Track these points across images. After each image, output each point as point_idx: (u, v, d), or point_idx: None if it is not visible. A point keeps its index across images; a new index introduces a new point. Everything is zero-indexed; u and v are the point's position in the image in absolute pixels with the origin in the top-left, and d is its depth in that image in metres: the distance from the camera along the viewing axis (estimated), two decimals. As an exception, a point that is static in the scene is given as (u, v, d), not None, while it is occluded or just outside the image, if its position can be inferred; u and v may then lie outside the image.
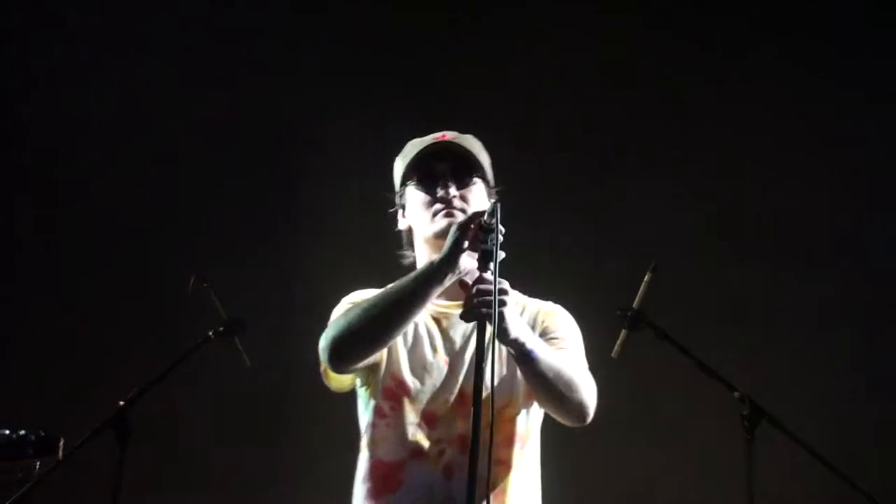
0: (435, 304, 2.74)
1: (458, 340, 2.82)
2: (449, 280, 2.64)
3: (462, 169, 2.84)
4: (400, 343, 2.81)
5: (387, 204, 3.05)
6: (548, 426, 2.95)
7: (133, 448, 3.62)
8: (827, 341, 5.10)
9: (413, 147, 2.89)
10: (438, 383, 2.76)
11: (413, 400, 2.78)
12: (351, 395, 2.99)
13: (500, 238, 2.58)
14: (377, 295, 2.70)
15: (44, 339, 5.23)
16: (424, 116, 5.23)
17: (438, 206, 2.81)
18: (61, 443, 3.34)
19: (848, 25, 5.32)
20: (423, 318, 2.83)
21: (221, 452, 5.08)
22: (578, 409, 2.72)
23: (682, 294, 5.06)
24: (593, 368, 2.87)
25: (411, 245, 2.96)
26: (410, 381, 2.79)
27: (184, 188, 5.38)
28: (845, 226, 5.19)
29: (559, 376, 2.67)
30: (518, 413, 2.79)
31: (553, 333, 2.83)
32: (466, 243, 2.61)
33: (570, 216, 5.27)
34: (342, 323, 2.69)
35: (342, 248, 5.16)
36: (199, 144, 5.44)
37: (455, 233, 2.63)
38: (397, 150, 5.20)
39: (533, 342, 2.65)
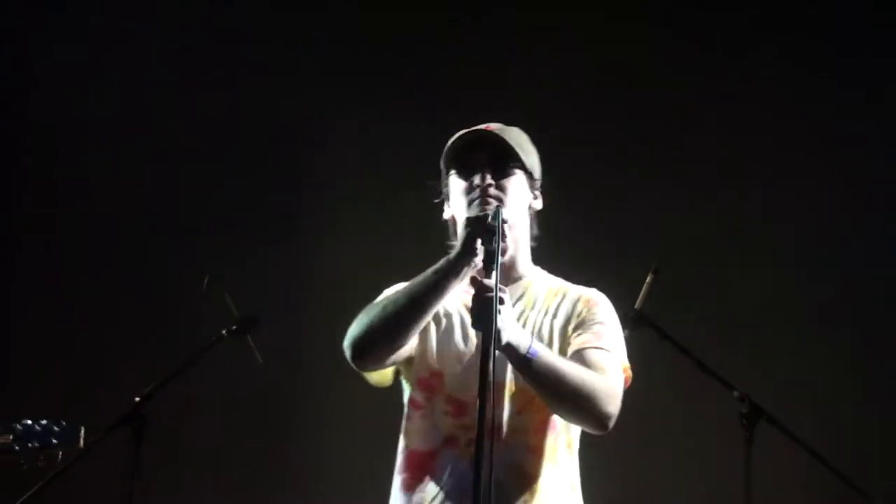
0: (467, 292, 2.71)
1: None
2: (466, 273, 2.65)
3: (501, 159, 2.83)
4: (433, 333, 2.83)
5: (418, 198, 3.06)
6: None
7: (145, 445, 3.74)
8: (826, 341, 5.11)
9: (459, 135, 2.88)
10: (469, 372, 2.73)
11: (444, 389, 2.79)
12: (361, 394, 3.00)
13: (503, 244, 2.61)
14: (397, 292, 2.73)
15: (44, 339, 5.27)
16: (424, 116, 5.28)
17: (475, 194, 2.80)
18: (82, 432, 3.40)
19: (848, 25, 5.32)
20: (455, 307, 2.84)
21: (232, 450, 5.13)
22: (591, 416, 2.69)
23: (683, 294, 5.05)
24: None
25: (456, 234, 2.94)
26: (442, 370, 2.80)
27: (186, 188, 5.40)
28: (845, 226, 5.20)
29: (564, 382, 2.64)
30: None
31: (589, 325, 2.81)
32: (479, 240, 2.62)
33: (570, 216, 5.18)
34: (363, 322, 2.71)
35: (349, 247, 5.20)
36: (200, 144, 5.46)
37: (468, 227, 2.65)
38: (400, 149, 5.16)
39: (534, 348, 2.63)
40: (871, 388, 5.05)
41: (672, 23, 5.43)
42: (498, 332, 2.52)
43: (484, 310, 2.50)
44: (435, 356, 2.82)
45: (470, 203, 2.80)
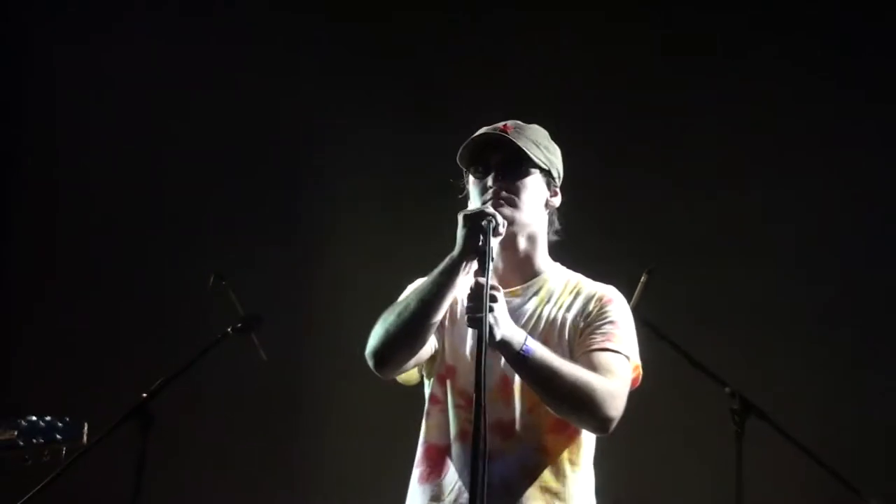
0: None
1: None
2: (470, 269, 2.68)
3: (514, 160, 2.85)
4: (448, 330, 2.87)
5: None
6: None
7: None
8: (826, 341, 5.11)
9: (474, 136, 2.91)
10: (476, 364, 2.69)
11: (457, 384, 2.83)
12: (363, 392, 3.01)
13: (494, 247, 2.66)
14: (407, 296, 2.78)
15: (50, 338, 5.30)
16: (425, 116, 5.29)
17: (487, 195, 2.83)
18: (86, 428, 3.44)
19: (848, 25, 5.33)
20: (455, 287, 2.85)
21: (236, 446, 5.16)
22: (589, 417, 2.70)
23: (683, 294, 5.08)
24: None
25: None
26: (455, 365, 2.84)
27: (188, 188, 5.43)
28: (845, 226, 5.21)
29: (560, 381, 2.65)
30: None
31: (600, 324, 2.81)
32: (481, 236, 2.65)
33: (570, 216, 5.23)
34: (380, 331, 2.76)
35: (351, 247, 5.22)
36: (202, 144, 5.48)
37: (465, 226, 2.67)
38: (401, 149, 5.14)
39: (529, 345, 2.64)
40: (870, 388, 5.04)
41: (672, 23, 5.42)
42: (492, 328, 2.55)
43: (476, 308, 2.53)
44: (449, 352, 2.86)
45: (486, 201, 2.82)
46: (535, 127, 2.96)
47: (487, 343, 2.54)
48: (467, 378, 2.78)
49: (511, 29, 5.49)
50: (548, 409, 2.73)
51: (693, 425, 4.86)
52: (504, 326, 2.62)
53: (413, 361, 2.82)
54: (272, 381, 5.02)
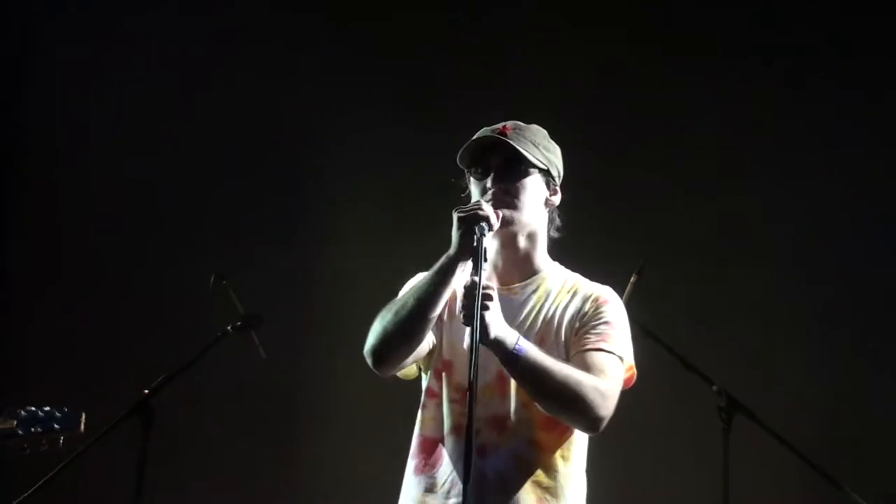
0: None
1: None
2: (465, 268, 2.74)
3: (513, 161, 2.89)
4: (445, 325, 2.91)
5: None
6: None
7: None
8: (825, 341, 5.15)
9: (473, 138, 2.95)
10: (470, 361, 2.74)
11: (453, 378, 2.88)
12: (361, 388, 3.03)
13: (492, 245, 2.74)
14: (404, 294, 2.83)
15: (55, 337, 5.33)
16: (425, 116, 5.30)
17: (487, 196, 2.88)
18: (83, 417, 3.53)
19: (848, 25, 5.34)
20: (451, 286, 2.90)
21: (235, 441, 5.19)
22: (579, 417, 2.75)
23: (684, 294, 5.15)
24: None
25: None
26: (451, 360, 2.90)
27: (189, 188, 5.45)
28: (845, 226, 5.23)
29: (551, 381, 2.70)
30: None
31: (595, 325, 2.85)
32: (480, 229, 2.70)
33: (571, 216, 5.25)
34: (378, 329, 2.82)
35: (350, 246, 5.25)
36: (202, 144, 5.50)
37: (460, 226, 2.72)
38: (401, 149, 5.12)
39: (521, 345, 2.69)
40: (870, 388, 5.09)
41: (672, 23, 5.44)
42: (486, 327, 2.61)
43: (469, 307, 2.59)
44: (446, 347, 2.91)
45: (486, 201, 2.85)
46: (535, 127, 2.99)
47: (480, 341, 2.60)
48: (463, 373, 2.80)
49: (511, 29, 5.50)
50: (534, 421, 2.78)
51: (682, 422, 4.92)
52: (496, 326, 2.66)
53: (411, 358, 2.87)
54: (271, 379, 5.05)
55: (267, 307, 4.40)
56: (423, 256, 2.95)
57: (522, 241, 2.92)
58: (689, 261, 5.21)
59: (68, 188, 5.51)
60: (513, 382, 2.80)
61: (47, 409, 3.55)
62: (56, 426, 3.51)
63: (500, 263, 2.93)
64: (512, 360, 2.70)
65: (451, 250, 2.75)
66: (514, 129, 2.93)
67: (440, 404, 2.89)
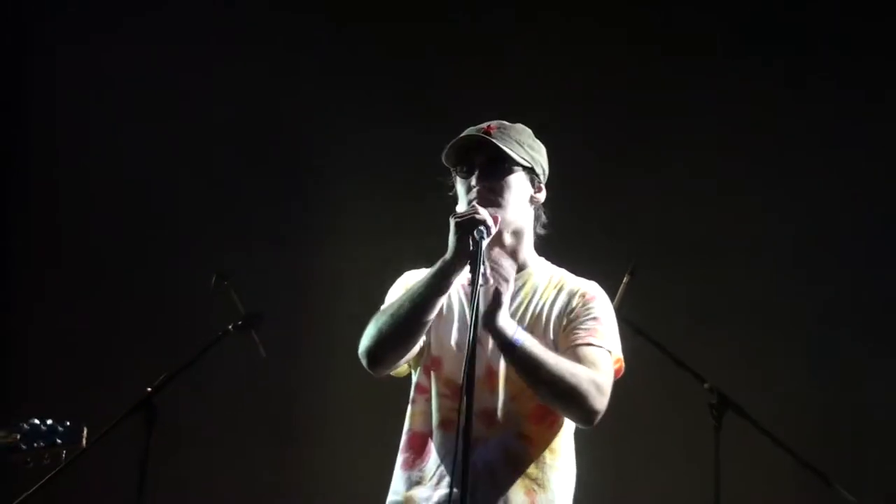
0: (465, 283, 2.89)
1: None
2: (461, 270, 2.79)
3: (497, 160, 2.94)
4: (434, 323, 2.94)
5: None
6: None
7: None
8: (825, 341, 5.17)
9: (458, 138, 3.00)
10: (464, 358, 2.81)
11: (442, 374, 2.95)
12: (359, 386, 3.06)
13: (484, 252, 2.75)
14: (400, 297, 2.91)
15: (45, 339, 5.35)
16: (425, 116, 5.31)
17: (472, 195, 2.93)
18: (85, 432, 3.61)
19: (848, 25, 5.36)
20: (456, 297, 2.98)
21: (235, 445, 5.23)
22: (576, 408, 2.82)
23: (684, 294, 5.18)
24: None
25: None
26: (441, 356, 2.97)
27: (188, 188, 5.48)
28: (845, 226, 5.24)
29: (547, 372, 2.77)
30: None
31: (583, 320, 2.92)
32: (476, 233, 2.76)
33: (566, 216, 5.27)
34: (373, 331, 2.89)
35: (350, 247, 5.26)
36: (203, 144, 5.52)
37: (457, 231, 2.77)
38: (401, 149, 5.12)
39: (519, 336, 2.77)
40: (869, 389, 5.10)
41: (672, 23, 5.46)
42: (494, 311, 2.73)
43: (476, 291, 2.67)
44: (435, 344, 2.96)
45: (471, 201, 2.92)
46: (520, 126, 3.05)
47: (484, 326, 2.72)
48: (452, 369, 2.93)
49: (511, 29, 5.53)
50: (530, 398, 2.85)
51: (674, 420, 4.97)
52: (502, 314, 2.75)
53: (404, 359, 2.94)
54: (271, 378, 5.09)
55: (267, 307, 4.44)
56: (422, 256, 2.99)
57: (508, 238, 2.96)
58: (689, 261, 5.24)
59: (68, 188, 5.54)
60: (501, 377, 2.88)
61: (50, 422, 3.63)
62: (58, 440, 3.59)
63: (496, 245, 2.95)
64: (510, 348, 2.78)
65: (448, 255, 2.80)
66: (499, 128, 2.98)
67: (429, 399, 2.95)
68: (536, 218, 3.03)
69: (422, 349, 2.97)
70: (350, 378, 3.98)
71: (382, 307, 2.95)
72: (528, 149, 2.98)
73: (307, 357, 5.31)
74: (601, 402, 2.83)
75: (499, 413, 2.88)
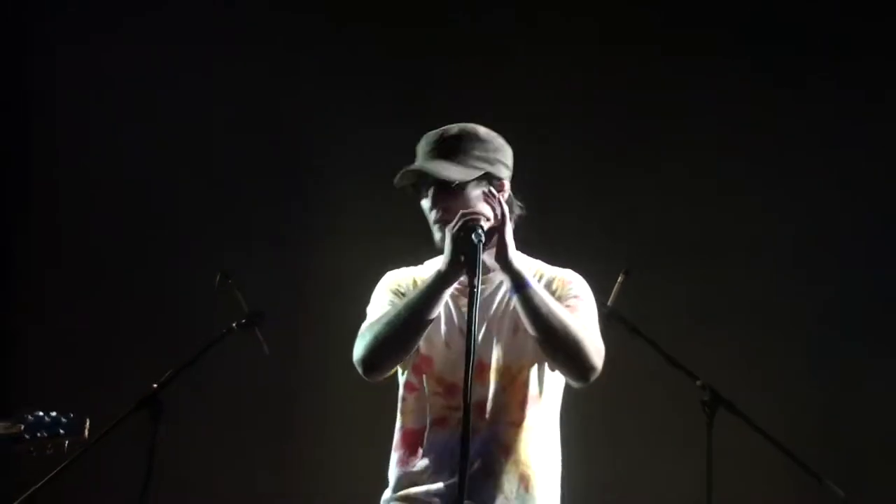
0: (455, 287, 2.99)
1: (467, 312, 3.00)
2: (459, 277, 2.89)
3: (445, 183, 2.97)
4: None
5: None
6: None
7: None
8: (825, 341, 5.23)
9: (405, 170, 3.02)
10: (458, 356, 2.92)
11: (435, 372, 3.02)
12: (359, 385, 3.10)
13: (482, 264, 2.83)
14: (397, 307, 2.97)
15: (49, 338, 5.41)
16: (426, 116, 5.30)
17: (433, 217, 3.01)
18: (87, 423, 3.72)
19: (847, 25, 5.38)
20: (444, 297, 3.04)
21: (235, 443, 5.27)
22: (577, 362, 2.93)
23: (684, 294, 5.23)
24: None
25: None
26: (432, 355, 3.03)
27: (189, 188, 5.52)
28: (845, 226, 5.27)
29: (555, 318, 2.87)
30: (528, 377, 3.01)
31: (565, 299, 3.01)
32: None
33: (564, 215, 5.35)
34: (370, 339, 2.96)
35: (350, 246, 5.28)
36: (205, 144, 5.56)
37: (451, 245, 2.86)
38: (402, 149, 5.17)
39: (530, 277, 2.91)
40: (869, 389, 5.15)
41: (672, 23, 5.48)
42: (505, 250, 2.86)
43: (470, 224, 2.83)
44: (424, 343, 3.03)
45: (434, 223, 2.99)
46: (471, 133, 3.04)
47: (502, 267, 2.86)
48: (443, 367, 3.03)
49: (511, 29, 5.56)
50: (518, 388, 2.99)
51: (669, 416, 5.01)
52: (516, 256, 2.89)
53: (399, 365, 3.04)
54: (272, 376, 5.15)
55: (266, 306, 4.46)
56: (422, 256, 3.09)
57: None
58: (689, 260, 5.28)
59: (68, 187, 5.58)
60: (492, 370, 2.99)
61: (53, 414, 3.75)
62: (61, 431, 3.71)
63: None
64: (523, 286, 2.87)
65: (442, 268, 2.88)
66: (451, 139, 3.01)
67: (420, 398, 3.04)
68: (511, 212, 3.04)
69: None
70: (349, 377, 4.00)
71: (373, 312, 3.06)
72: (476, 159, 3.00)
73: (306, 356, 5.36)
74: (599, 362, 2.94)
75: (489, 404, 2.97)
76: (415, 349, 3.01)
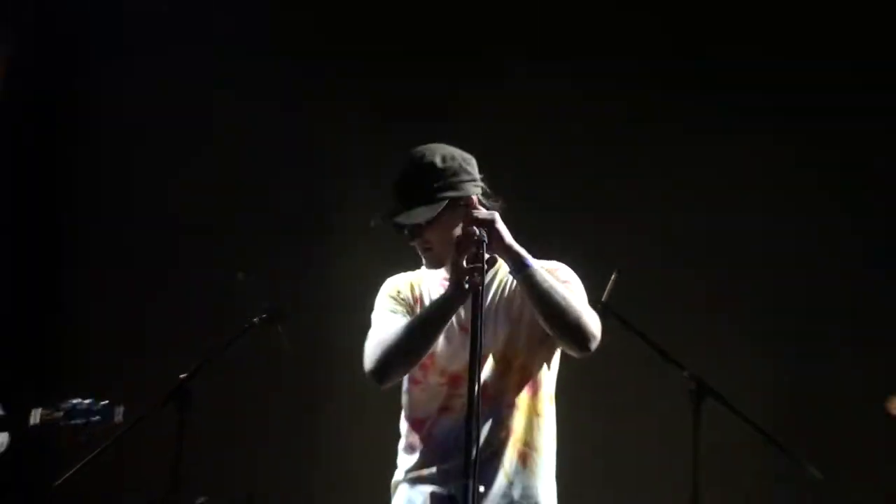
0: (442, 285, 3.17)
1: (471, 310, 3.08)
2: (465, 300, 3.03)
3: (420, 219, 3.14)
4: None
5: None
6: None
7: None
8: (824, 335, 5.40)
9: (378, 218, 3.18)
10: (458, 348, 3.15)
11: (438, 365, 3.18)
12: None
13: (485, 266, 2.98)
14: (408, 323, 3.14)
15: (85, 332, 5.65)
16: (440, 120, 5.44)
17: (418, 248, 3.22)
18: (121, 410, 3.87)
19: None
20: (440, 292, 3.20)
21: (262, 428, 5.48)
22: (577, 332, 3.06)
23: (678, 291, 5.40)
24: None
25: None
26: (434, 350, 3.17)
27: (222, 193, 5.75)
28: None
29: (556, 295, 3.03)
30: (524, 362, 3.18)
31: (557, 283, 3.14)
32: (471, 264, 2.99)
33: (561, 214, 5.57)
34: (381, 353, 3.11)
35: (371, 246, 5.26)
36: (234, 155, 5.78)
37: (455, 273, 3.01)
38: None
39: (529, 259, 3.04)
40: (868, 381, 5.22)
41: (673, 22, 5.65)
42: (502, 236, 3.02)
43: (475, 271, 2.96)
44: None
45: (421, 252, 3.21)
46: (428, 167, 3.15)
47: (501, 251, 3.02)
48: (445, 360, 3.18)
49: (513, 30, 5.75)
50: (515, 371, 3.17)
51: (658, 405, 5.14)
52: (508, 239, 3.03)
53: None
54: (294, 370, 5.17)
55: (290, 300, 4.59)
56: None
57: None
58: (685, 260, 5.45)
59: (110, 192, 5.83)
60: (490, 358, 3.14)
61: (88, 401, 3.90)
62: (95, 418, 3.87)
63: (446, 255, 3.14)
64: (525, 266, 3.04)
65: (449, 293, 3.04)
66: (410, 187, 3.14)
67: (425, 389, 3.21)
68: (492, 207, 3.18)
69: None
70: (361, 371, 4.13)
71: (377, 319, 3.21)
72: (439, 190, 3.13)
73: (324, 350, 5.47)
74: (597, 334, 3.07)
75: (489, 390, 3.11)
76: None
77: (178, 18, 5.81)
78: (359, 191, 5.42)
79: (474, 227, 3.00)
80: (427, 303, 3.24)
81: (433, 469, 3.16)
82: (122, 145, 5.82)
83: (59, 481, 4.02)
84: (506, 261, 3.08)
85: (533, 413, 3.20)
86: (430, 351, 3.17)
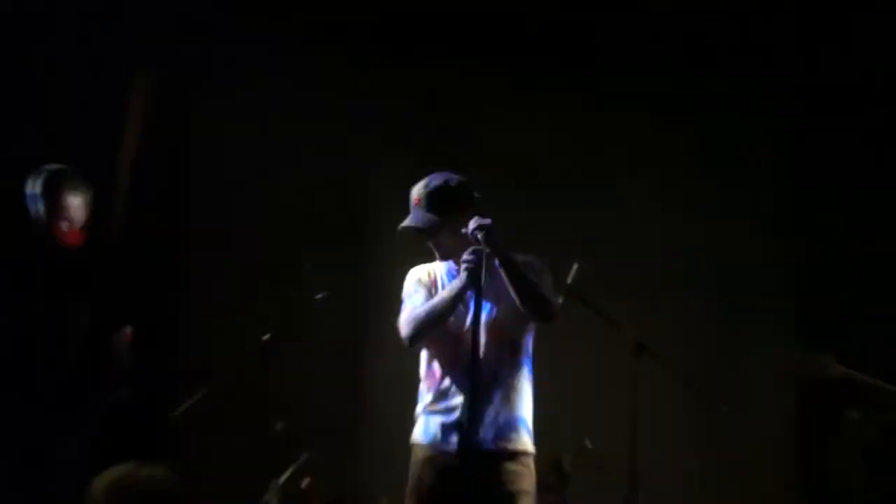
0: (455, 261, 3.92)
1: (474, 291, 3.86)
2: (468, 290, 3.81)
3: (425, 231, 3.95)
4: (435, 294, 4.00)
5: None
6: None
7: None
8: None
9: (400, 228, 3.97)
10: (461, 316, 3.90)
11: (447, 329, 3.91)
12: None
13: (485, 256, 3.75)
14: (433, 302, 3.89)
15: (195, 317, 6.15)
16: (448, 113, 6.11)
17: (431, 246, 4.03)
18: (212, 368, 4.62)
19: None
20: (445, 273, 4.04)
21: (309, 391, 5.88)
22: (543, 307, 3.82)
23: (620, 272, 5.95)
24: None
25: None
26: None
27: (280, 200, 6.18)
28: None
29: (527, 280, 3.79)
30: (508, 328, 3.93)
31: (529, 272, 3.89)
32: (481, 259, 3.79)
33: (557, 214, 6.12)
34: (414, 324, 3.87)
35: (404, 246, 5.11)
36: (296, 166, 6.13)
37: (467, 275, 3.80)
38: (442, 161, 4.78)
39: (512, 254, 3.78)
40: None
41: (673, 24, 6.07)
42: (497, 242, 3.75)
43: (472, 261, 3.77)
44: None
45: (434, 249, 4.03)
46: (434, 191, 3.92)
47: (495, 248, 3.71)
48: (457, 326, 3.91)
49: (514, 33, 6.08)
50: (498, 335, 3.91)
51: (600, 360, 5.69)
52: (500, 240, 3.74)
53: None
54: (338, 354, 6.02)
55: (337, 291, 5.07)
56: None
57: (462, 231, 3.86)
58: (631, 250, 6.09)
59: (203, 195, 6.24)
60: (482, 331, 3.83)
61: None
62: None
63: (457, 252, 3.92)
64: (508, 260, 3.76)
65: (462, 283, 3.78)
66: (426, 197, 3.92)
67: (438, 347, 3.98)
68: (483, 215, 3.84)
69: None
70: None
71: (408, 298, 3.94)
72: (439, 210, 3.89)
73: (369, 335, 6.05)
74: (556, 308, 3.86)
75: (483, 349, 3.80)
76: None
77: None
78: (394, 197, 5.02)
79: (476, 231, 3.77)
80: (440, 285, 3.99)
81: (443, 404, 3.92)
82: (219, 165, 6.26)
83: (179, 411, 4.67)
84: (495, 255, 3.74)
85: (515, 366, 3.95)
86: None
